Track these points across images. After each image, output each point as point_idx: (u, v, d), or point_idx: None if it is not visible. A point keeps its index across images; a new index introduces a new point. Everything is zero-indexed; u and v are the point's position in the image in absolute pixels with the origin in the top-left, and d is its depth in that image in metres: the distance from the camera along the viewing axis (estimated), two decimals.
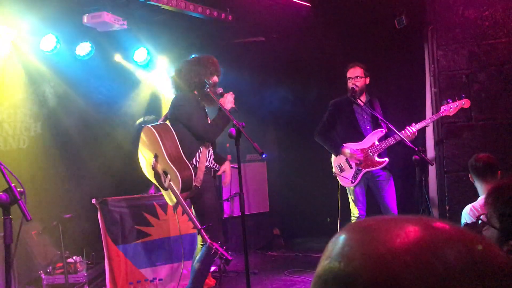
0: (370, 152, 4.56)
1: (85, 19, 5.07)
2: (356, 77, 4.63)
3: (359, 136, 4.63)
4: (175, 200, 3.77)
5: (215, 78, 4.08)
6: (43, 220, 5.22)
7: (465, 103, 4.57)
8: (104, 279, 4.52)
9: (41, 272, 4.77)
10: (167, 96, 6.85)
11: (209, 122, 3.99)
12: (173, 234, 4.72)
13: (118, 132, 5.87)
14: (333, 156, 4.80)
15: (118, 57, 6.14)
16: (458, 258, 0.52)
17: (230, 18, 5.71)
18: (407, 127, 4.42)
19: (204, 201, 3.85)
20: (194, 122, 3.91)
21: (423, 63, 5.41)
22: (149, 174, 4.00)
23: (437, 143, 5.13)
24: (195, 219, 3.70)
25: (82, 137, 5.91)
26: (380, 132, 4.58)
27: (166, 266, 4.67)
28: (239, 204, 3.69)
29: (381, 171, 4.63)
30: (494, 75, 4.87)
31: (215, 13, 5.56)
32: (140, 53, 6.16)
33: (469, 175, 3.29)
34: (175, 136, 3.85)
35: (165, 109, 6.80)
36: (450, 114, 4.59)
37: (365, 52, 5.98)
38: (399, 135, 4.35)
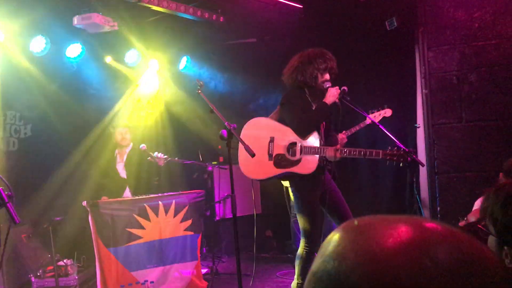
0: None
1: (75, 20, 5.05)
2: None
3: None
4: (315, 163, 3.72)
5: (327, 76, 3.85)
6: (33, 223, 5.18)
7: (387, 112, 4.62)
8: (95, 282, 4.49)
9: (31, 275, 4.73)
10: (157, 97, 6.83)
11: (305, 112, 3.82)
12: (165, 237, 4.70)
13: (110, 134, 5.84)
14: None
15: (109, 59, 6.11)
16: (448, 258, 0.53)
17: (221, 20, 5.71)
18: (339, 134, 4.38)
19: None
20: (291, 117, 3.82)
21: (414, 65, 5.43)
22: (265, 172, 3.86)
23: (428, 144, 5.15)
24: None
25: (72, 139, 5.88)
26: None
27: (157, 268, 4.64)
28: (231, 206, 3.67)
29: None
30: (484, 76, 4.90)
31: (207, 15, 5.55)
32: (131, 55, 6.13)
33: (500, 173, 3.39)
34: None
35: (155, 108, 6.76)
36: (376, 121, 4.53)
37: (357, 53, 5.99)
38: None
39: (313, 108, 3.85)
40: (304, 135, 3.79)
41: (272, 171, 3.83)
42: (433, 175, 5.08)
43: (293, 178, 3.81)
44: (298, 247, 5.66)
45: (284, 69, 3.97)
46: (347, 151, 3.66)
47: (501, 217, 1.37)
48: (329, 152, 3.70)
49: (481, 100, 4.91)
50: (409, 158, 3.63)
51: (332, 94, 3.78)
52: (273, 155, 3.83)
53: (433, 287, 0.51)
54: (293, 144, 3.82)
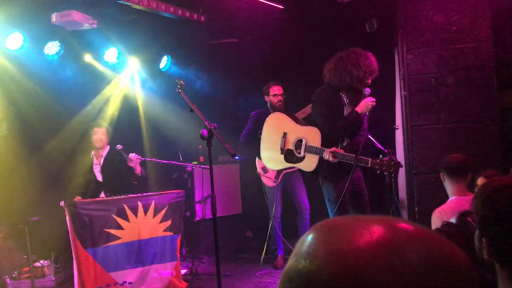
0: None
1: (53, 17, 4.96)
2: (281, 94, 5.47)
3: None
4: (316, 161, 3.92)
5: (369, 80, 3.87)
6: (9, 223, 5.08)
7: None
8: (73, 283, 4.43)
9: (6, 277, 4.64)
10: (137, 96, 6.76)
11: (337, 119, 3.92)
12: (144, 237, 4.66)
13: (87, 134, 5.76)
14: (257, 159, 5.39)
15: (88, 57, 6.03)
16: (418, 257, 0.54)
17: (202, 19, 5.68)
18: None
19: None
20: (321, 120, 3.98)
21: (393, 67, 5.49)
22: (278, 164, 4.28)
23: (406, 145, 5.21)
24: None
25: (50, 138, 5.78)
26: None
27: (136, 269, 4.59)
28: (211, 206, 3.67)
29: (296, 171, 5.34)
30: (461, 78, 4.98)
31: (188, 14, 5.52)
32: (111, 53, 6.06)
33: (441, 173, 3.33)
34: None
35: (135, 108, 6.69)
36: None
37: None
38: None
39: (345, 110, 3.95)
40: (332, 141, 3.92)
41: (283, 164, 4.21)
42: (411, 175, 5.14)
43: (322, 175, 4.00)
44: (278, 247, 5.70)
45: (327, 66, 3.95)
46: (340, 156, 3.79)
47: (481, 209, 1.41)
48: (325, 154, 3.83)
49: (459, 102, 4.99)
50: (394, 168, 3.69)
51: (366, 106, 3.87)
52: (284, 150, 4.15)
53: (400, 287, 0.52)
54: (300, 141, 4.06)
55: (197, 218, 6.26)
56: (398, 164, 3.72)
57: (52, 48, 5.48)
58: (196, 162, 6.18)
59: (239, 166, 6.66)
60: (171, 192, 4.98)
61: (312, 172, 4.06)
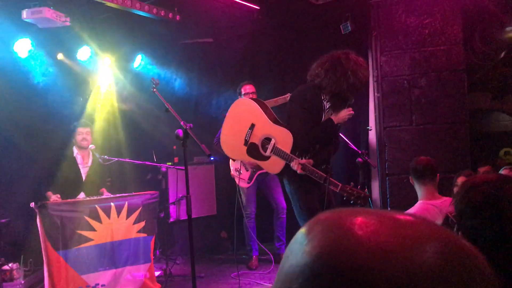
0: None
1: (24, 14, 4.84)
2: (253, 92, 5.32)
3: None
4: (281, 166, 3.69)
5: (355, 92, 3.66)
6: None
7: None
8: (43, 286, 4.33)
9: None
10: (111, 96, 6.67)
11: (314, 126, 3.66)
12: (116, 239, 4.59)
13: (58, 133, 5.64)
14: (231, 160, 5.34)
15: (60, 55, 5.92)
16: (434, 257, 0.48)
17: (177, 18, 5.64)
18: None
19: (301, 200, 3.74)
20: (297, 123, 3.68)
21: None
22: (238, 155, 4.03)
23: (379, 146, 5.28)
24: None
25: (20, 138, 5.64)
26: None
27: (109, 271, 4.52)
28: (186, 207, 3.64)
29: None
30: (433, 81, 5.08)
31: (162, 13, 5.47)
32: (84, 52, 5.96)
33: (410, 177, 3.35)
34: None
35: (108, 107, 6.59)
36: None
37: (312, 56, 6.07)
38: None
39: (324, 116, 3.72)
40: (302, 147, 3.69)
41: (243, 156, 3.93)
42: (384, 176, 5.21)
43: (290, 178, 3.75)
44: (252, 247, 5.69)
45: (323, 65, 3.63)
46: (310, 171, 3.56)
47: (459, 204, 1.45)
48: (294, 164, 3.61)
49: (430, 104, 5.09)
50: (362, 201, 3.47)
51: (343, 117, 3.68)
52: (248, 142, 3.85)
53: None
54: (268, 139, 3.79)
55: (171, 219, 6.21)
56: (368, 197, 3.52)
57: (23, 45, 5.36)
58: (170, 163, 6.12)
59: (214, 167, 6.63)
60: (145, 193, 4.92)
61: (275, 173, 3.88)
